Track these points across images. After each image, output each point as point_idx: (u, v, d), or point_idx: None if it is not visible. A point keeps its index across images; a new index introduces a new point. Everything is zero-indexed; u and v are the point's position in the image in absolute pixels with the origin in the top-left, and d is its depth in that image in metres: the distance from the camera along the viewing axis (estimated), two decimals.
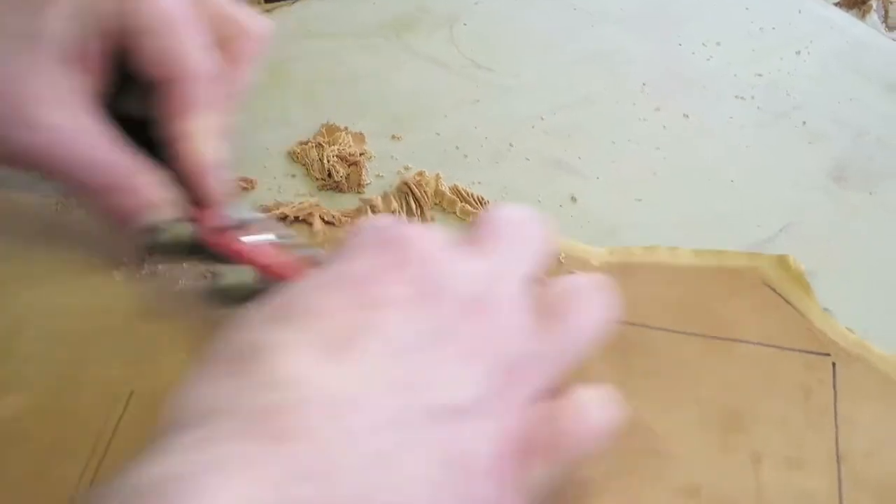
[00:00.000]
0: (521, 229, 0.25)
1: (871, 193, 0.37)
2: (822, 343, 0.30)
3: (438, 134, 0.40)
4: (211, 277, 0.29)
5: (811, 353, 0.30)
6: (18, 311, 0.31)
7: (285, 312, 0.21)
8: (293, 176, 0.38)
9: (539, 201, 0.36)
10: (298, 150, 0.38)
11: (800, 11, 0.46)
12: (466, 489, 0.21)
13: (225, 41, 0.32)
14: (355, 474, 0.19)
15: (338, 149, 0.38)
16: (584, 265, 0.32)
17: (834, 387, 0.29)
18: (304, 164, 0.38)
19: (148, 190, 0.29)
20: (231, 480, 0.17)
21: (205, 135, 0.30)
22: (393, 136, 0.39)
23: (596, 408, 0.24)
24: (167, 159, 0.30)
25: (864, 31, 0.45)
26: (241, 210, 0.31)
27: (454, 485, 0.20)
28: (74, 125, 0.29)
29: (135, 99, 0.31)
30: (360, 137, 0.39)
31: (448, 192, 0.36)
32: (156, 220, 0.29)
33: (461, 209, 0.36)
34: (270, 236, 0.30)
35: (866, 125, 0.40)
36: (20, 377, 0.29)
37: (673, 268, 0.32)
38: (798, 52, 0.44)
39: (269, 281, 0.28)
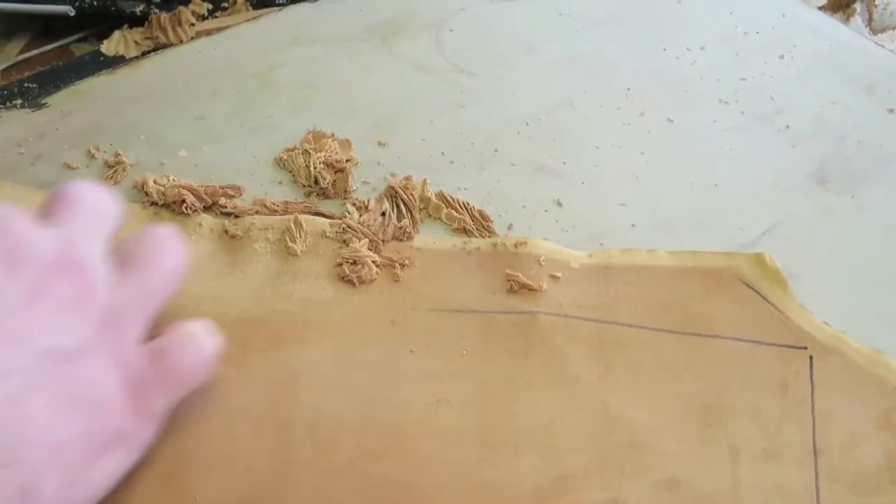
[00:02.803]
0: (90, 200, 0.29)
1: (853, 196, 0.39)
2: (798, 337, 0.32)
3: (424, 140, 0.42)
4: None
5: (787, 346, 0.32)
6: None
7: None
8: (280, 183, 0.40)
9: (524, 206, 0.38)
10: (285, 157, 0.40)
11: (783, 16, 0.49)
12: (97, 422, 0.26)
13: None
14: None
15: (324, 155, 0.40)
16: (564, 268, 0.35)
17: (811, 380, 0.31)
18: (290, 171, 0.40)
19: None
20: None
21: None
22: (379, 143, 0.41)
23: (199, 337, 0.29)
24: None
25: (847, 34, 0.48)
26: None
27: (85, 418, 0.26)
28: None
29: None
30: (346, 144, 0.41)
31: (434, 198, 0.38)
32: None
33: (447, 215, 0.38)
34: None
35: (849, 128, 0.42)
36: None
37: (651, 268, 0.34)
38: (782, 56, 0.46)
39: None
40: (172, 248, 0.30)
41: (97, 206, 0.29)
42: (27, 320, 0.25)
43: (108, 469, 0.27)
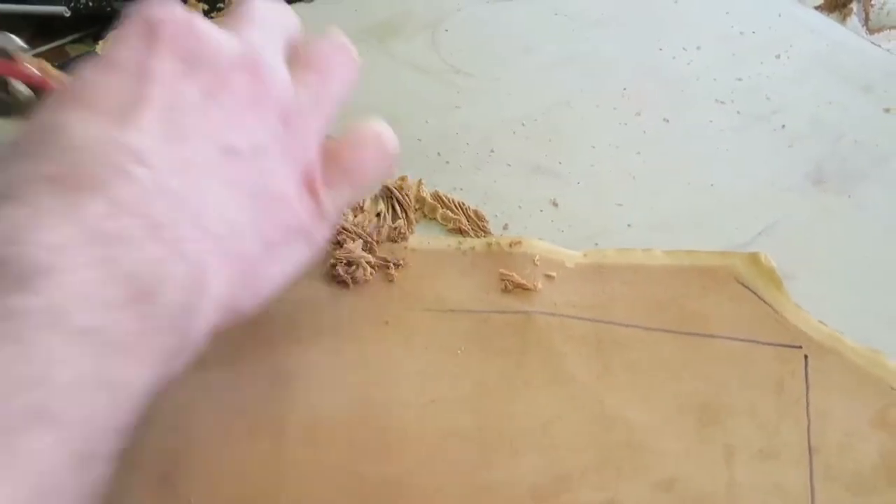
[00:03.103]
0: (268, 9, 0.30)
1: (849, 196, 0.39)
2: (794, 336, 0.32)
3: (420, 140, 0.42)
4: None
5: (783, 346, 0.32)
6: None
7: (69, 98, 0.24)
8: None
9: (520, 206, 0.38)
10: None
11: (780, 15, 0.49)
12: (276, 216, 0.27)
13: None
14: (164, 206, 0.23)
15: None
16: (559, 267, 0.35)
17: (806, 379, 0.31)
18: None
19: None
20: (51, 227, 0.21)
21: None
22: None
23: (382, 135, 0.31)
24: None
25: (844, 34, 0.48)
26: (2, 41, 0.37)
27: (264, 212, 0.26)
28: None
29: None
30: None
31: (429, 198, 0.38)
32: None
33: (442, 215, 0.38)
34: (34, 61, 0.38)
35: (845, 128, 0.42)
36: None
37: (647, 268, 0.34)
38: (778, 56, 0.46)
39: (41, 92, 0.37)
40: (348, 54, 0.31)
41: (275, 15, 0.30)
42: (206, 119, 0.25)
43: (287, 261, 0.28)
